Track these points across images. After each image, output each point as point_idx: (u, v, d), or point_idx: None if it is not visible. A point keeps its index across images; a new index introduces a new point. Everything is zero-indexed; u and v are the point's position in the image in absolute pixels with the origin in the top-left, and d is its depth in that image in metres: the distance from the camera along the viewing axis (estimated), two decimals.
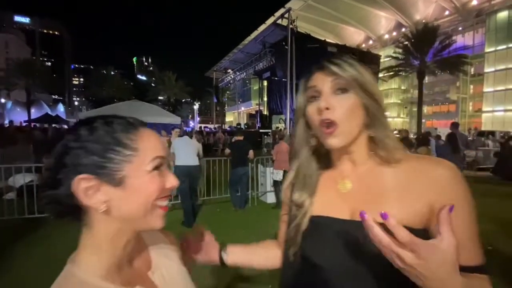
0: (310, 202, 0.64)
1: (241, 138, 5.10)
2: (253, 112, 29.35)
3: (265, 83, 23.50)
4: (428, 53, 16.07)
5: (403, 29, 30.59)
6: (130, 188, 0.45)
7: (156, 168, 0.48)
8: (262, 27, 20.22)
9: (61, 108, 35.65)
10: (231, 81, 26.52)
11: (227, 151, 4.95)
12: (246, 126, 23.66)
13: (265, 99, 25.60)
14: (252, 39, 20.36)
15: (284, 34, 14.96)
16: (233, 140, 5.62)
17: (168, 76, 38.90)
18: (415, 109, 27.56)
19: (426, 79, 19.56)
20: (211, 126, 33.67)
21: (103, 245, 0.47)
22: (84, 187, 0.42)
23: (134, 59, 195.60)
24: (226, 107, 49.38)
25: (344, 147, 0.59)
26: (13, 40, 68.14)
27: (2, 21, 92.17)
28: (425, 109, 31.07)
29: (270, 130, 16.55)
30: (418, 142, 5.89)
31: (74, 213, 0.46)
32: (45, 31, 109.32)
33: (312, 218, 0.62)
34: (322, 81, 0.58)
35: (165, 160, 0.51)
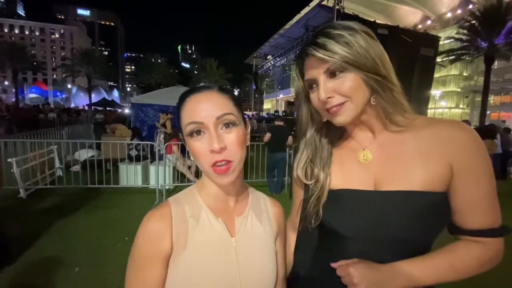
0: (326, 175, 0.63)
1: (281, 123, 5.03)
2: (292, 100, 28.76)
3: None
4: (500, 34, 13.74)
5: (470, 6, 26.67)
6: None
7: (196, 133, 0.53)
8: (305, 10, 19.30)
9: (115, 93, 39.15)
10: (270, 68, 26.17)
11: (268, 135, 4.89)
12: (284, 114, 23.36)
13: None
14: (295, 23, 19.61)
15: (330, 16, 14.08)
16: (269, 125, 5.56)
17: (210, 63, 39.99)
18: (478, 98, 24.32)
19: (496, 64, 16.95)
20: (249, 113, 33.99)
21: (207, 180, 0.61)
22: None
23: (179, 47, 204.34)
24: (264, 94, 49.23)
25: (356, 119, 0.59)
26: (76, 31, 75.94)
27: (67, 14, 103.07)
28: (492, 99, 27.23)
29: None
30: (481, 134, 5.16)
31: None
32: (102, 22, 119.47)
33: (333, 191, 0.62)
34: (316, 71, 0.56)
35: (203, 125, 0.52)
